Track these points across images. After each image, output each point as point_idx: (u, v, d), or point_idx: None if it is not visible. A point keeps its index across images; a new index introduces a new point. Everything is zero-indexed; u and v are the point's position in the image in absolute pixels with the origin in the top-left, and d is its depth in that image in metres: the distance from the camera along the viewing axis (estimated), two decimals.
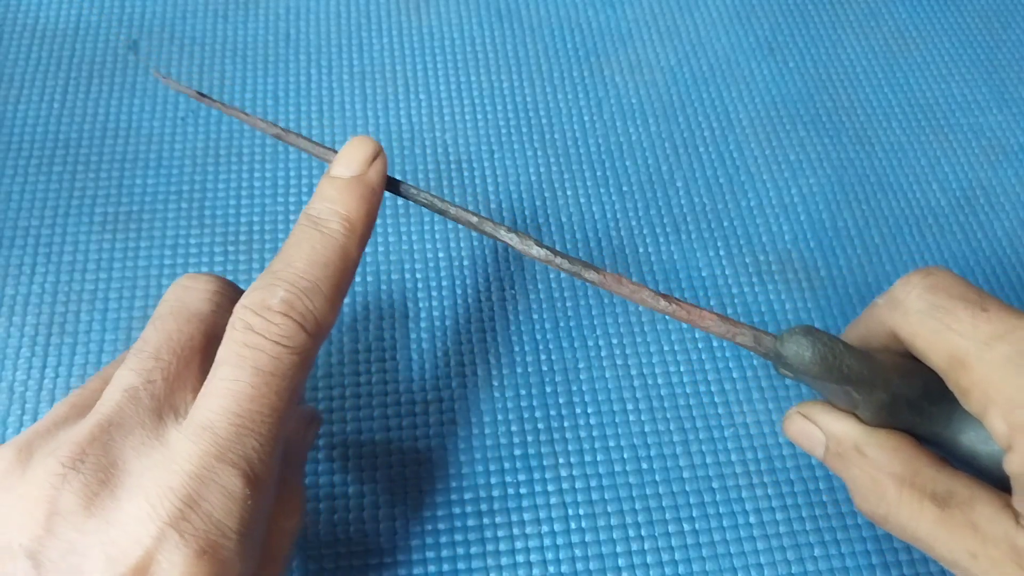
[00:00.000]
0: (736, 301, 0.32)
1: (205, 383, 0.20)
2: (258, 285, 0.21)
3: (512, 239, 0.23)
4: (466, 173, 0.35)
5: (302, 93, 0.37)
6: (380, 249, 0.33)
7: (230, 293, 0.23)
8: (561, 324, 0.31)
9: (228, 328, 0.20)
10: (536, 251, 0.22)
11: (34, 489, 0.18)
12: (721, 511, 0.28)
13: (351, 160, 0.23)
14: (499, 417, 0.29)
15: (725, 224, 0.34)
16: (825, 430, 0.23)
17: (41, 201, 0.33)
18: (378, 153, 0.23)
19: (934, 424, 0.22)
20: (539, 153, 0.36)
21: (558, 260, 0.22)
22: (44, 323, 0.30)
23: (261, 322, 0.20)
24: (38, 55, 0.37)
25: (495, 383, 0.30)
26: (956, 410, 0.22)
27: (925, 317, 0.21)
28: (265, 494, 0.20)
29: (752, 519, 0.28)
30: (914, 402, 0.21)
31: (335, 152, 0.23)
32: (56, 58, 0.37)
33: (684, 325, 0.32)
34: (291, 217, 0.33)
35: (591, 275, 0.22)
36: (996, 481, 0.21)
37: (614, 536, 0.27)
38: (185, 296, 0.22)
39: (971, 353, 0.20)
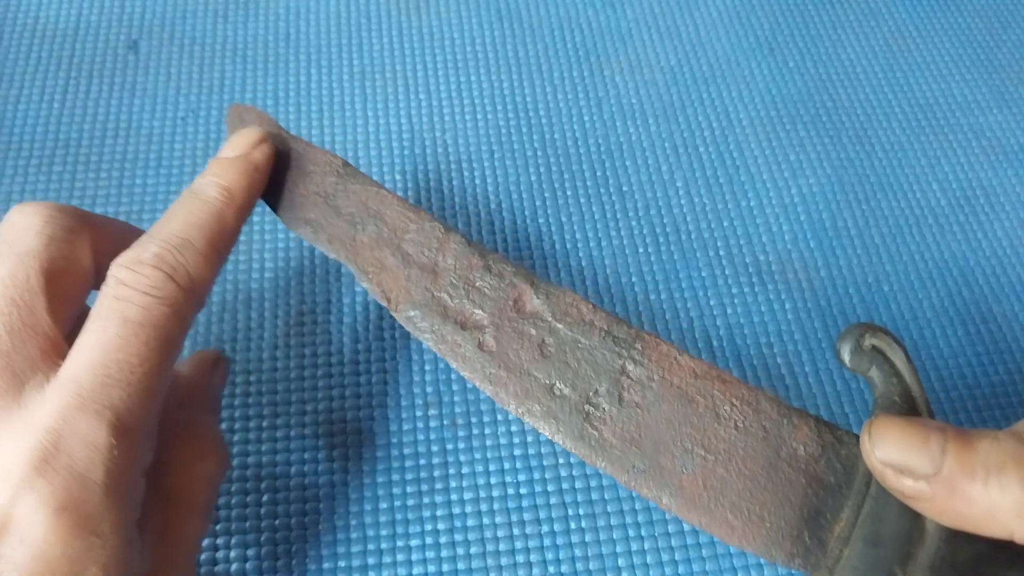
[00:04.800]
0: (736, 301, 0.32)
1: (77, 339, 0.19)
2: (133, 245, 0.21)
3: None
4: (466, 173, 0.35)
5: (302, 93, 0.37)
6: None
7: (63, 220, 0.21)
8: None
9: (102, 286, 0.20)
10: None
11: None
12: None
13: (237, 144, 0.24)
14: (499, 417, 0.29)
15: (725, 224, 0.34)
16: None
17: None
18: (264, 139, 0.24)
19: None
20: (539, 153, 0.36)
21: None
22: None
23: (131, 275, 0.20)
24: (38, 55, 0.37)
25: None
26: None
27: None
28: (138, 444, 0.19)
29: None
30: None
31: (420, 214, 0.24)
32: (56, 58, 0.37)
33: (683, 324, 0.32)
34: None
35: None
36: None
37: (614, 536, 0.27)
38: (11, 234, 0.21)
39: None
